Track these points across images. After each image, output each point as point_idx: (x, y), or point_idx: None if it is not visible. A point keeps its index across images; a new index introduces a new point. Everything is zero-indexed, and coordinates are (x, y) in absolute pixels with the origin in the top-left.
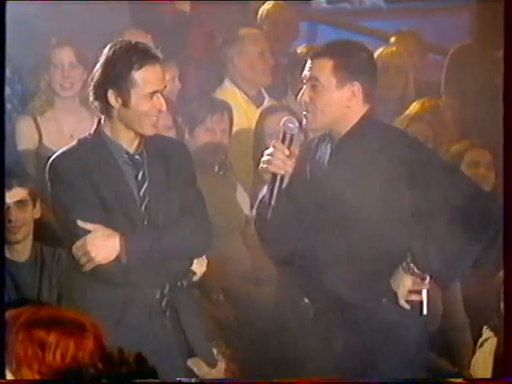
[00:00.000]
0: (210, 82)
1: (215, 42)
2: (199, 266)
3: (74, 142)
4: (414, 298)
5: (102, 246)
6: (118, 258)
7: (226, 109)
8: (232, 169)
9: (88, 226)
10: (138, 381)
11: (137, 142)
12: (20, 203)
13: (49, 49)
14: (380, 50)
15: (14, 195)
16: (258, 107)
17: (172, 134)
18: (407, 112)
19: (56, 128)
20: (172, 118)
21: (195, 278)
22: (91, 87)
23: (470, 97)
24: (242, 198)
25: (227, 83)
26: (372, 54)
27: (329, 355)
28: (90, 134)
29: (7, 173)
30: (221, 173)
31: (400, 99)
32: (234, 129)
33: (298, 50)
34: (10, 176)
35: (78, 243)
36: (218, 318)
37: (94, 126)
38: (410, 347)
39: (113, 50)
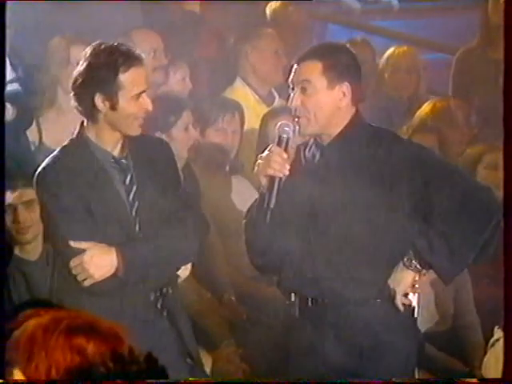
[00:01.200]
0: (220, 82)
1: (225, 42)
2: (184, 271)
3: (57, 151)
4: (410, 299)
5: (100, 262)
6: (115, 272)
7: (237, 109)
8: (243, 169)
9: (82, 245)
10: (148, 380)
11: (120, 144)
12: (27, 203)
13: (61, 47)
14: (391, 49)
15: (20, 196)
16: (268, 107)
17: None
18: (418, 112)
19: (57, 128)
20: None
21: (179, 281)
22: (73, 91)
23: (477, 98)
24: (253, 197)
25: (238, 82)
26: (355, 56)
27: (323, 354)
28: (72, 140)
29: (13, 173)
30: (232, 173)
31: (410, 99)
32: (245, 128)
33: None
34: (15, 177)
35: (76, 260)
36: (229, 318)
37: (76, 131)
38: (403, 347)
39: (96, 52)
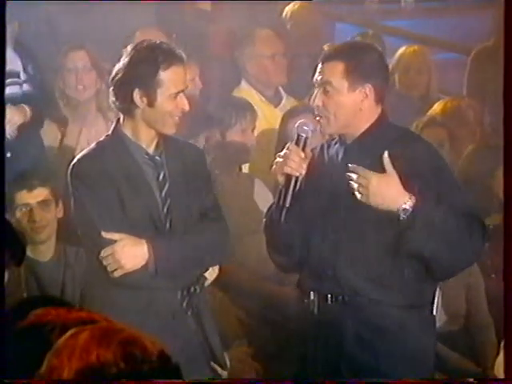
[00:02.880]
0: (229, 82)
1: (234, 42)
2: (212, 272)
3: (93, 145)
4: None
5: (130, 253)
6: (145, 265)
7: (248, 109)
8: (255, 169)
9: (114, 236)
10: (160, 380)
11: (155, 142)
12: (43, 203)
13: (64, 52)
14: (402, 49)
15: (36, 195)
16: (275, 106)
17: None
18: (429, 112)
19: (72, 132)
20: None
21: (206, 284)
22: (112, 86)
23: (493, 98)
24: (265, 197)
25: (243, 84)
26: (382, 55)
27: (341, 352)
28: (108, 136)
29: (29, 173)
30: (244, 173)
31: (422, 98)
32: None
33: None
34: (31, 176)
35: (107, 250)
36: (241, 318)
37: (113, 126)
38: (419, 346)
39: (137, 49)
